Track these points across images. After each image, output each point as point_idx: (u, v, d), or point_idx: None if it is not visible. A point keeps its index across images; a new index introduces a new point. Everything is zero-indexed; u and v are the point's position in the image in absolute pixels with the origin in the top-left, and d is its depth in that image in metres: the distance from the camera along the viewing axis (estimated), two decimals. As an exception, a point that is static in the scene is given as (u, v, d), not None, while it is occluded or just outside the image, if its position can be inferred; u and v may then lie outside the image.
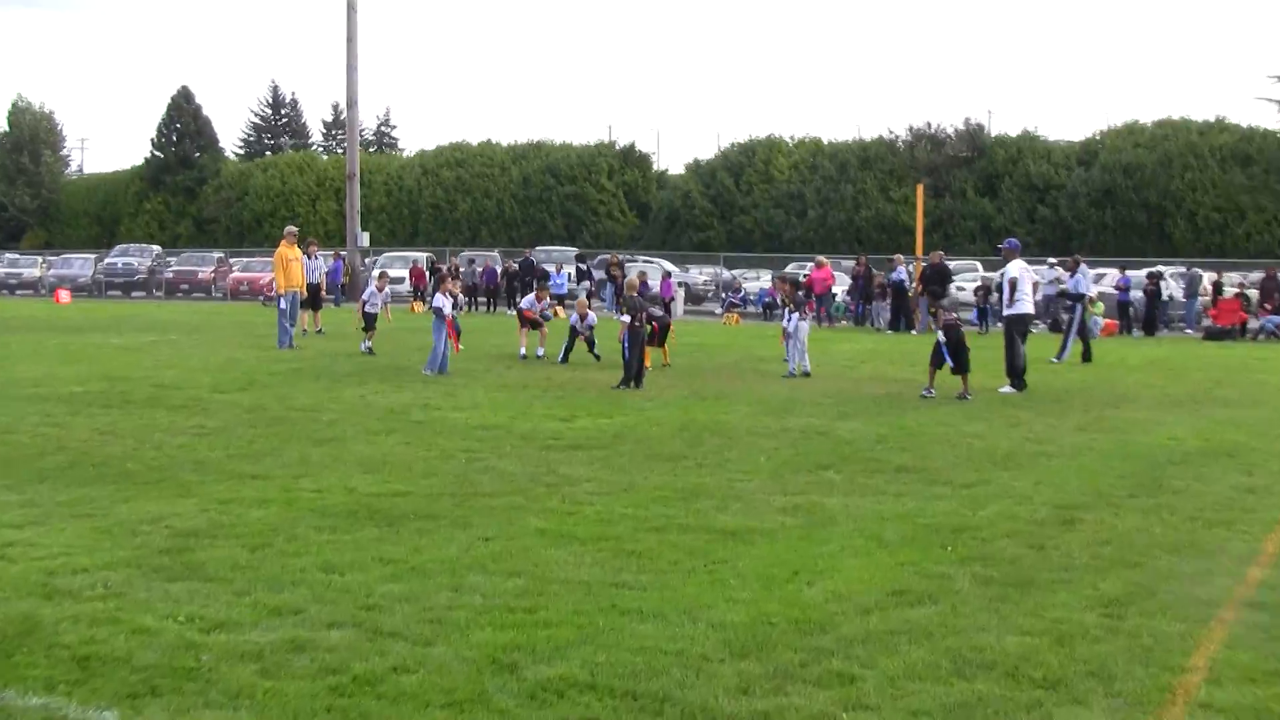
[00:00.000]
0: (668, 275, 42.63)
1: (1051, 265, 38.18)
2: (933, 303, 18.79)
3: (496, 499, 9.62)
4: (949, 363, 17.29)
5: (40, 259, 62.40)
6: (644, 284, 40.28)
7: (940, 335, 17.47)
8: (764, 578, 7.36)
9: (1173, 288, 38.42)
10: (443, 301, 19.95)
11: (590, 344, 21.98)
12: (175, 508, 9.07)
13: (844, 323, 39.11)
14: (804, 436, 13.22)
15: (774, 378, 20.00)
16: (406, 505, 9.30)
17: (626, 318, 18.45)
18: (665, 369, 21.01)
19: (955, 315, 18.08)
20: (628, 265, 48.35)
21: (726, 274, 50.73)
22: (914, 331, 33.71)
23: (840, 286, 40.65)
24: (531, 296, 24.66)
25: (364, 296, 24.62)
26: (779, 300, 23.91)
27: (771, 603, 6.84)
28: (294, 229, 25.71)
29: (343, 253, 51.21)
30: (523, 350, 23.18)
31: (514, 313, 24.77)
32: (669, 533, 8.52)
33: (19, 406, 14.59)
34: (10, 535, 8.15)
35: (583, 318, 21.98)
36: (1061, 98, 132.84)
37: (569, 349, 21.99)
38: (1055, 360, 23.79)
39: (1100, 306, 33.18)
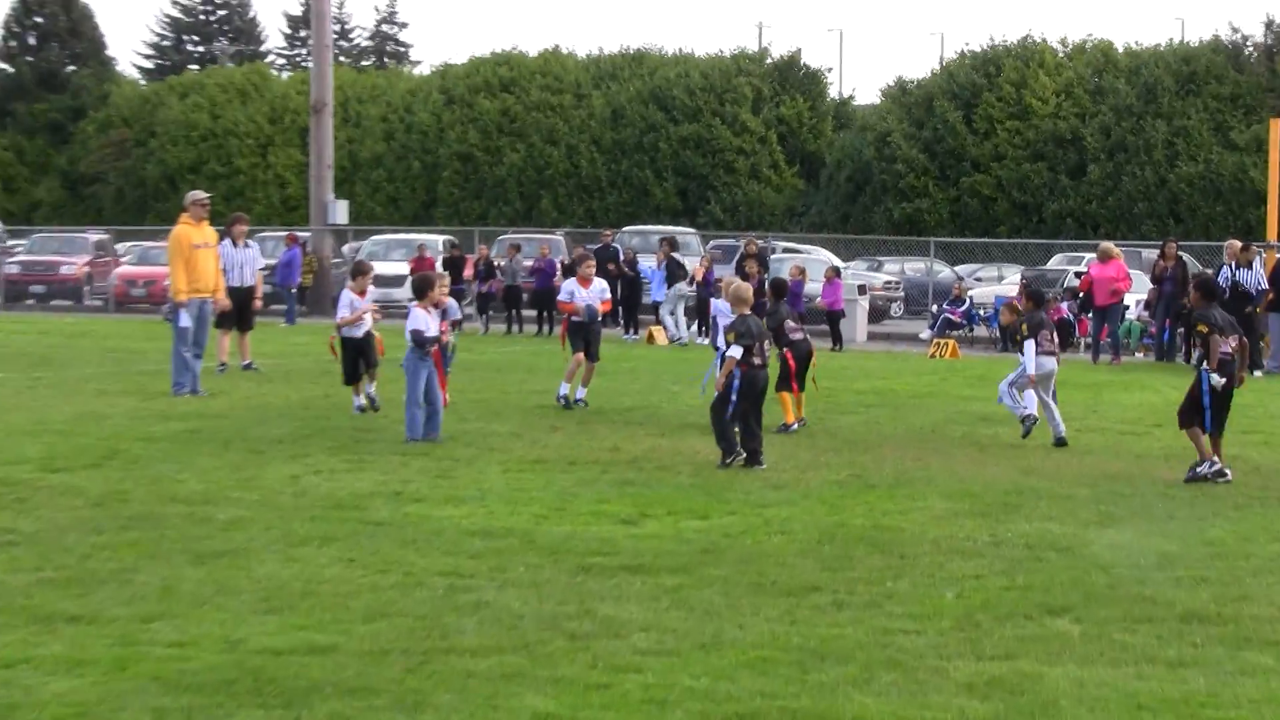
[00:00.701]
0: (836, 274, 42.33)
1: None
2: (1203, 319, 18.17)
3: (480, 660, 9.58)
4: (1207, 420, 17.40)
5: None
6: (796, 284, 40.38)
7: (1211, 378, 17.33)
8: (910, 811, 7.18)
9: None
10: (424, 321, 19.95)
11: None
12: (-82, 674, 9.12)
13: (1139, 355, 38.55)
14: (1030, 555, 13.05)
15: (999, 450, 19.83)
16: (323, 670, 9.29)
17: (736, 350, 18.16)
18: (801, 428, 21.29)
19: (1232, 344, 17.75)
20: (776, 260, 48.44)
21: (945, 271, 50.48)
22: (1258, 373, 33.08)
23: (1136, 295, 40.09)
24: (573, 281, 24.54)
25: (340, 311, 23.51)
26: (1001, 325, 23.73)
27: None
28: (203, 196, 26.00)
29: (303, 234, 51.86)
30: (564, 389, 23.59)
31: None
32: (761, 725, 8.39)
33: None
34: None
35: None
36: None
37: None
38: None
39: None
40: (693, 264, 45.17)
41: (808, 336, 22.49)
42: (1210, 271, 35.16)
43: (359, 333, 22.70)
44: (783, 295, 22.78)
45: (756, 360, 18.20)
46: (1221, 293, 19.10)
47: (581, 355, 23.62)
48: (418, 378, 19.61)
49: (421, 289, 20.40)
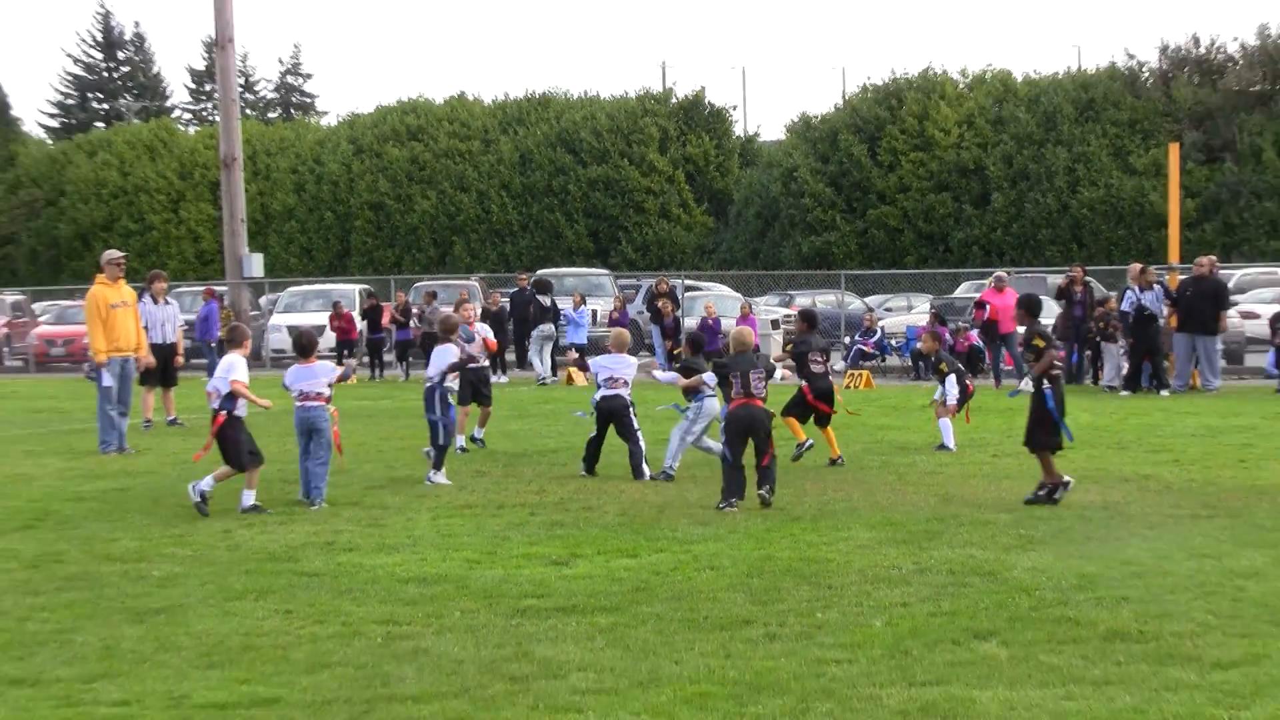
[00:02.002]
0: (749, 310, 42.74)
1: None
2: (1041, 335, 18.16)
3: (423, 706, 9.60)
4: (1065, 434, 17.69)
5: None
6: (716, 321, 40.65)
7: (1050, 395, 17.60)
8: (853, 838, 7.25)
9: None
10: (317, 377, 18.75)
11: (631, 439, 20.86)
12: None
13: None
14: (955, 581, 13.12)
15: (918, 478, 20.01)
16: (268, 723, 9.28)
17: (710, 376, 18.97)
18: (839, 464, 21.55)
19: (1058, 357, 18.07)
20: (689, 297, 48.68)
21: (855, 303, 50.82)
22: (1165, 392, 33.47)
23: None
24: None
25: (233, 375, 18.24)
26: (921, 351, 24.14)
27: None
28: (118, 255, 25.88)
29: (219, 288, 51.65)
30: (460, 440, 23.39)
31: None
32: (703, 760, 8.44)
33: None
34: None
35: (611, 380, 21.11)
36: None
37: (595, 445, 21.07)
38: None
39: None
40: (606, 304, 45.51)
41: (828, 372, 22.50)
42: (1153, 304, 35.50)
43: (243, 411, 18.39)
44: (814, 325, 22.85)
45: (741, 396, 17.97)
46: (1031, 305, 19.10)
47: (469, 407, 23.87)
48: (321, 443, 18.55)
49: (301, 344, 19.14)
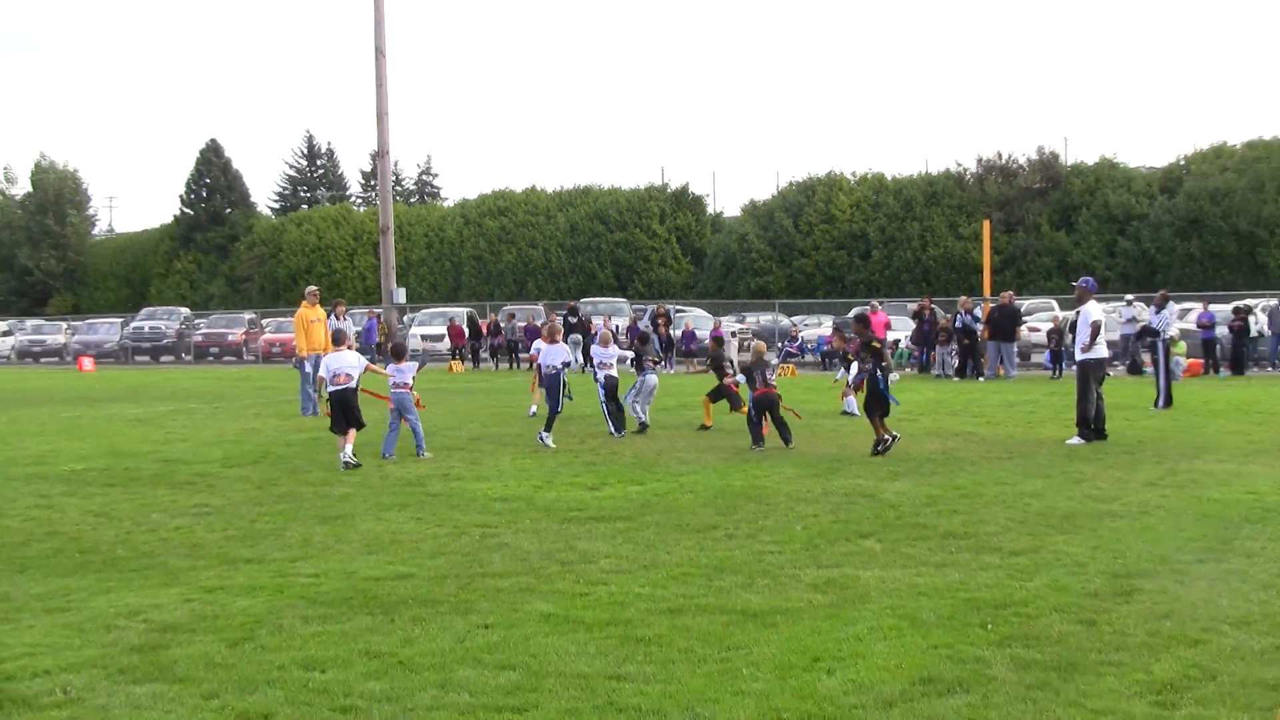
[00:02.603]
0: (719, 325, 42.65)
1: (1130, 302, 37.74)
2: (877, 340, 17.83)
3: (504, 580, 9.49)
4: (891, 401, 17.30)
5: (64, 325, 63.38)
6: (688, 334, 40.29)
7: (885, 379, 17.19)
8: (780, 665, 7.15)
9: (1262, 322, 37.67)
10: (405, 373, 17.92)
11: (608, 412, 20.17)
12: (157, 598, 9.01)
13: (908, 370, 38.73)
14: (847, 500, 13.01)
15: (825, 434, 19.83)
16: (406, 590, 9.18)
17: (741, 378, 19.11)
18: (704, 430, 20.91)
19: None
20: (677, 315, 48.58)
21: (784, 320, 50.66)
22: (981, 379, 33.46)
23: (904, 332, 40.32)
24: (540, 340, 22.38)
25: (353, 366, 17.17)
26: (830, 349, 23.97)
27: (784, 695, 6.62)
28: (314, 289, 25.89)
29: (377, 310, 51.60)
30: (533, 409, 23.11)
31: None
32: (685, 615, 8.33)
33: (14, 487, 14.71)
34: (-22, 633, 8.10)
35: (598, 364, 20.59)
36: (1142, 121, 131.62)
37: (609, 415, 20.21)
38: (1157, 408, 23.35)
39: (1182, 346, 32.63)
40: (624, 321, 45.45)
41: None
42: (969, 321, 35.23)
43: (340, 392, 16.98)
44: (722, 345, 23.17)
45: (761, 387, 18.40)
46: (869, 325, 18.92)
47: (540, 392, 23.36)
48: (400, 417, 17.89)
49: (390, 344, 18.89)
